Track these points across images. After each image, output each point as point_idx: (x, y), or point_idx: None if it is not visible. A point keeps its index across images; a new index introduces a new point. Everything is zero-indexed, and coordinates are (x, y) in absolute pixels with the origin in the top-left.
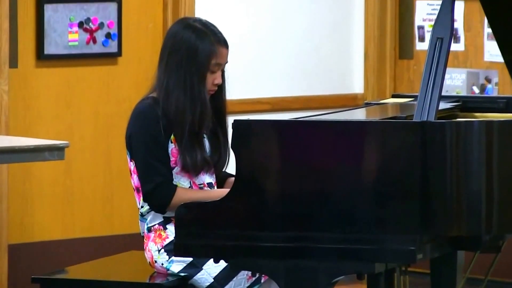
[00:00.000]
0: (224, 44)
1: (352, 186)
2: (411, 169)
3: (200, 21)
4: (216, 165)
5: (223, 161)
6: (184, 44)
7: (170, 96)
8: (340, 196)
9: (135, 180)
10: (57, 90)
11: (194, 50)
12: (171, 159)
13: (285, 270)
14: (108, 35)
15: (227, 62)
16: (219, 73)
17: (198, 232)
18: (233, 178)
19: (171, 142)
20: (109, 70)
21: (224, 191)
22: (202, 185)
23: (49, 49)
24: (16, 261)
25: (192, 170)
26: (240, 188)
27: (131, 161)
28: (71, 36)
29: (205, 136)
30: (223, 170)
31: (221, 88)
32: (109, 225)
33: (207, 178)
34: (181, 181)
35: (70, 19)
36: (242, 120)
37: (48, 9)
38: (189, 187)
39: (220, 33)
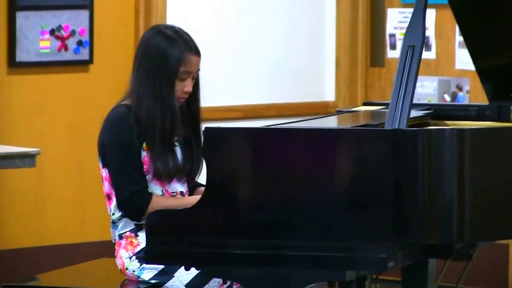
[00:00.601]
0: (195, 52)
1: (324, 194)
2: (383, 177)
3: (172, 28)
4: (188, 173)
5: (196, 169)
6: (154, 51)
7: (141, 103)
8: (312, 203)
9: (106, 187)
10: (28, 98)
11: (164, 56)
12: (144, 167)
13: (257, 277)
14: (80, 43)
15: (198, 70)
16: (189, 81)
17: (169, 239)
18: (202, 188)
19: (143, 150)
20: (80, 77)
21: (198, 198)
22: (174, 193)
23: (20, 57)
24: None
25: (164, 177)
26: (212, 196)
27: (103, 168)
28: (42, 44)
29: (177, 144)
30: (195, 179)
31: (195, 96)
32: (81, 232)
33: (179, 187)
34: (153, 189)
35: (41, 27)
36: (214, 128)
37: (20, 16)
38: (161, 195)
39: (191, 40)
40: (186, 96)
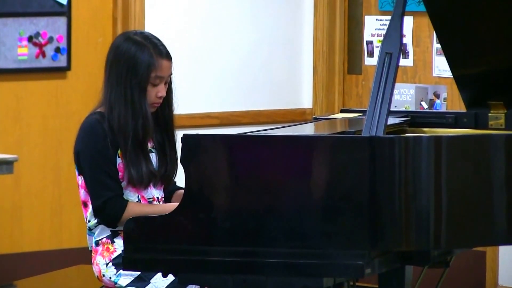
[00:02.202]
0: (166, 56)
1: (300, 201)
2: (360, 184)
3: (141, 34)
4: (162, 178)
5: (170, 174)
6: (124, 57)
7: (113, 110)
8: (289, 211)
9: (82, 195)
10: (6, 104)
11: (134, 62)
12: (119, 174)
13: (234, 284)
14: (58, 49)
15: (171, 74)
16: (162, 86)
17: (146, 246)
18: (181, 191)
19: (118, 157)
20: (58, 84)
21: (175, 205)
22: (151, 199)
23: None
24: None
25: (137, 183)
26: (189, 203)
27: (79, 176)
28: (20, 50)
29: (153, 150)
30: (171, 183)
31: (168, 100)
32: (58, 239)
33: (156, 193)
34: (129, 196)
35: (19, 33)
36: (191, 134)
37: None
38: (137, 201)
39: (162, 45)
40: (160, 101)
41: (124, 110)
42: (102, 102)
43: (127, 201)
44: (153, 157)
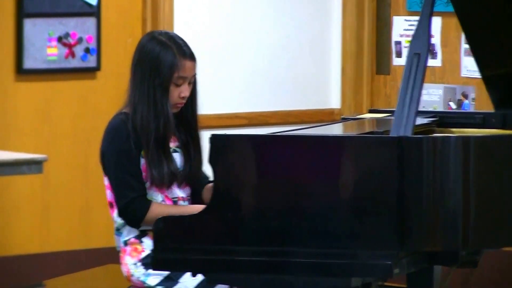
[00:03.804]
0: (189, 57)
1: (329, 201)
2: (388, 184)
3: (166, 34)
4: (186, 178)
5: (194, 174)
6: (148, 57)
7: (136, 111)
8: (317, 210)
9: (108, 195)
10: (35, 104)
11: (157, 62)
12: (143, 174)
13: (262, 284)
14: (87, 50)
15: (194, 75)
16: (185, 86)
17: (175, 246)
18: (211, 185)
19: (142, 157)
20: (87, 84)
21: (199, 206)
22: (176, 199)
23: (28, 64)
24: None
25: (158, 183)
26: (217, 202)
27: (105, 176)
28: (50, 51)
29: (178, 149)
30: (199, 183)
31: (191, 101)
32: (86, 239)
33: (180, 192)
34: (154, 196)
35: (49, 34)
36: (220, 135)
37: (27, 23)
38: (162, 201)
39: (186, 46)
40: (184, 101)
41: (146, 110)
42: (127, 103)
43: (150, 201)
44: (178, 157)
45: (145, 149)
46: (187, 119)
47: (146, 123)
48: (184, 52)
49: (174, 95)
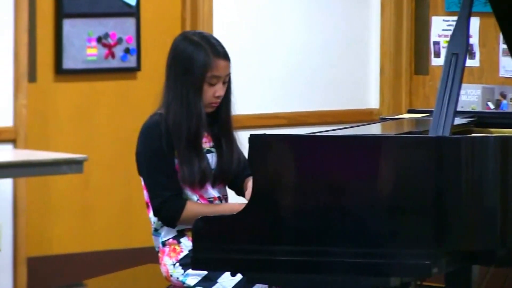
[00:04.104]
0: (223, 56)
1: (367, 201)
2: (426, 184)
3: (199, 34)
4: (220, 178)
5: (228, 174)
6: (181, 57)
7: (169, 110)
8: (355, 210)
9: (145, 196)
10: (75, 104)
11: (190, 62)
12: (177, 174)
13: (300, 284)
14: (127, 50)
15: (228, 74)
16: (219, 86)
17: (215, 245)
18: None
19: (176, 157)
20: (127, 84)
21: (234, 205)
22: (212, 199)
23: (67, 64)
24: (34, 274)
25: (189, 182)
26: (257, 202)
27: (140, 176)
28: (89, 51)
29: (212, 149)
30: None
31: (225, 100)
32: (127, 239)
33: (215, 192)
34: (189, 197)
35: (88, 34)
36: (259, 135)
37: (67, 23)
38: (197, 201)
39: (219, 45)
40: (218, 100)
41: (179, 110)
42: (162, 103)
43: (185, 200)
44: (213, 156)
45: (177, 148)
46: (222, 119)
47: (178, 123)
48: (217, 51)
49: (208, 94)
